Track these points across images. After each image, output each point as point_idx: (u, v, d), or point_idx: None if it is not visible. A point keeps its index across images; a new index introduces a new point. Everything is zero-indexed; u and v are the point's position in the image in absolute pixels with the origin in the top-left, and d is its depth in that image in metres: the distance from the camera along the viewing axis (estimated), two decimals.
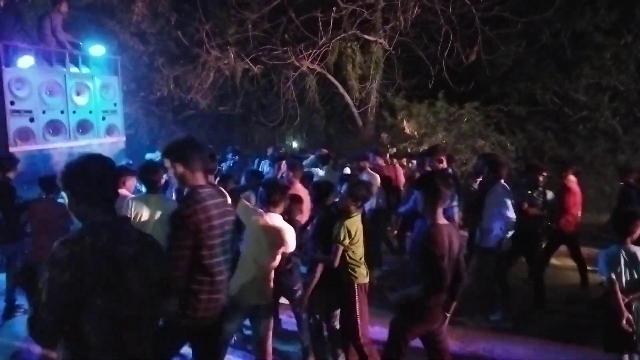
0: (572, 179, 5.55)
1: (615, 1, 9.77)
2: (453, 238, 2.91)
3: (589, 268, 5.69)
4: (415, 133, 10.22)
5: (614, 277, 3.40)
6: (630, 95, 10.09)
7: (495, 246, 4.73)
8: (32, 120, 6.23)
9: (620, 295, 3.36)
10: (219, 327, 2.67)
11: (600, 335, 3.83)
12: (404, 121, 10.35)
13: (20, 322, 4.63)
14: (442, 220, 2.93)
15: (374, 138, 11.32)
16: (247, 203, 3.50)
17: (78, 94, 6.92)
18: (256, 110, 12.79)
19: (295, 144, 14.82)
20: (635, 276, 3.46)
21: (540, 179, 5.26)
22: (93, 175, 1.85)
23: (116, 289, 1.74)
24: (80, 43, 7.42)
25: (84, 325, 1.72)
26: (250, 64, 11.02)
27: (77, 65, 7.07)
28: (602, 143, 10.15)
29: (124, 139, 7.67)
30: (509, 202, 4.62)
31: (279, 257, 3.39)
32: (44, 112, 6.39)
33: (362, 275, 3.53)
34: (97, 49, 7.52)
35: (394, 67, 11.32)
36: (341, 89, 11.52)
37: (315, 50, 10.82)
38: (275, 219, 3.37)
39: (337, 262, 3.43)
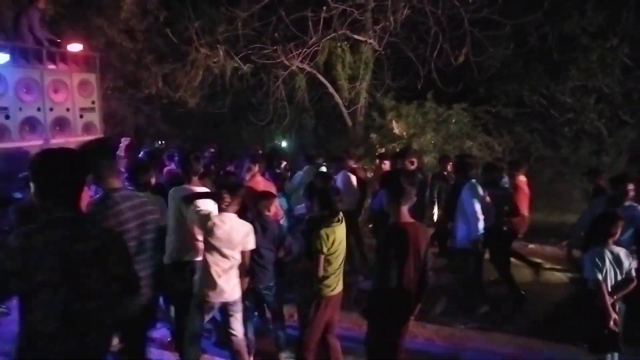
0: (522, 179, 5.72)
1: (601, 4, 9.90)
2: (419, 237, 2.92)
3: (558, 267, 5.97)
4: (404, 133, 10.25)
5: (600, 278, 3.46)
6: (615, 98, 10.24)
7: (470, 246, 4.81)
8: (7, 117, 6.21)
9: (607, 297, 3.42)
10: (140, 323, 2.73)
11: (576, 333, 3.92)
12: (393, 121, 10.37)
13: None
14: (406, 218, 2.94)
15: (363, 138, 11.34)
16: (198, 206, 3.54)
17: (55, 91, 6.85)
18: (245, 109, 12.72)
19: (284, 143, 14.80)
20: (619, 277, 3.52)
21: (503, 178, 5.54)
22: (58, 171, 1.84)
23: (69, 285, 1.73)
24: (59, 40, 7.32)
25: (34, 314, 1.73)
26: (240, 63, 10.97)
27: (54, 62, 6.97)
28: (587, 145, 10.29)
29: (101, 137, 7.57)
30: (475, 202, 4.71)
31: (238, 256, 3.45)
32: (20, 109, 6.37)
33: (328, 288, 3.47)
34: (74, 46, 7.43)
35: (384, 68, 11.35)
36: (331, 89, 11.52)
37: (305, 49, 10.80)
38: (227, 218, 3.42)
39: (320, 273, 3.41)
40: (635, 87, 10.16)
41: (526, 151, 10.14)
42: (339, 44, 10.91)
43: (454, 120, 10.02)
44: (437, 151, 9.82)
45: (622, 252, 3.55)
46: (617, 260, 3.51)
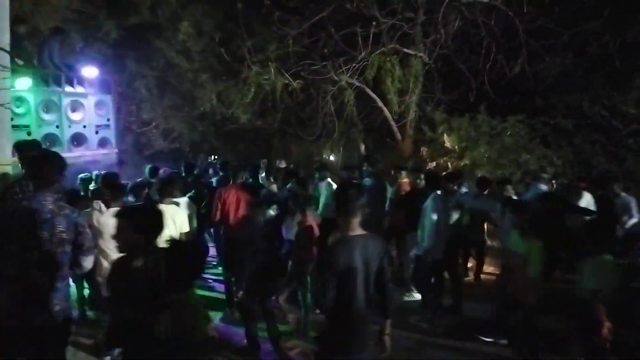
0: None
1: None
2: (368, 250, 2.78)
3: None
4: (456, 147, 10.04)
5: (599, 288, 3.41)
6: None
7: (422, 254, 5.21)
8: (29, 134, 7.04)
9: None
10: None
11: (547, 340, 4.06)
12: (444, 135, 10.19)
13: None
14: (354, 232, 2.81)
15: (412, 152, 11.21)
16: (97, 208, 4.16)
17: (73, 110, 7.78)
18: (295, 125, 12.94)
19: (332, 158, 14.88)
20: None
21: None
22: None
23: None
24: (75, 66, 8.28)
25: None
26: (290, 79, 11.20)
27: (72, 85, 7.89)
28: None
29: (116, 151, 8.57)
30: (434, 214, 4.98)
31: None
32: (40, 126, 7.25)
33: None
34: (90, 71, 8.34)
35: (434, 81, 11.22)
36: (380, 103, 11.50)
37: (354, 64, 10.88)
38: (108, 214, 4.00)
39: None
40: None
41: (587, 164, 9.64)
42: (388, 58, 10.91)
43: (509, 133, 9.71)
44: (491, 165, 9.54)
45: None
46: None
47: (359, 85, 11.31)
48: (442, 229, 5.00)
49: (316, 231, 4.68)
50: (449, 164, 10.10)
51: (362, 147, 13.36)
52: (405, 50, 10.84)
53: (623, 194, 6.15)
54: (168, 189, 4.69)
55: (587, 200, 6.13)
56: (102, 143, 8.26)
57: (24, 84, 7.13)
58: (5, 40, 5.74)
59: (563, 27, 9.49)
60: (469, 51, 10.53)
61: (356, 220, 2.83)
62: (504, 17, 9.76)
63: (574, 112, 10.09)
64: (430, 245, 5.02)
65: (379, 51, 10.73)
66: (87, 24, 11.62)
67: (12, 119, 6.58)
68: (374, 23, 10.57)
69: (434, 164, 10.34)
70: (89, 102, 8.02)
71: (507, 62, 9.83)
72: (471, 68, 10.41)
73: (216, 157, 11.15)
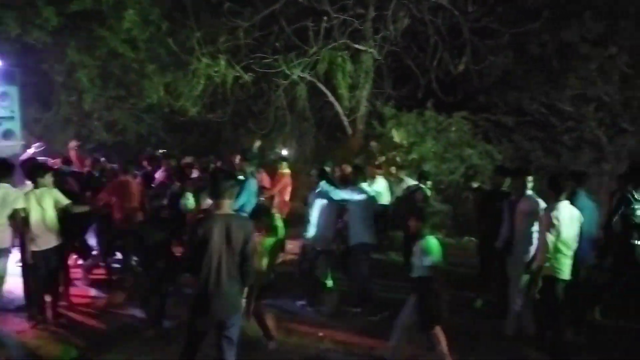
0: None
1: (600, 13, 9.95)
2: (232, 229, 3.22)
3: None
4: (404, 142, 10.27)
5: None
6: (614, 106, 10.26)
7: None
8: None
9: None
10: None
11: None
12: (393, 130, 10.39)
13: None
14: (221, 211, 3.30)
15: (363, 146, 11.37)
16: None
17: None
18: (246, 118, 12.78)
19: (285, 152, 14.82)
20: None
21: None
22: None
23: None
24: None
25: None
26: (241, 72, 11.04)
27: None
28: (587, 153, 10.29)
29: (22, 142, 8.53)
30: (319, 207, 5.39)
31: None
32: None
33: None
34: None
35: (384, 77, 11.41)
36: (331, 98, 11.57)
37: (305, 58, 10.88)
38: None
39: None
40: (634, 95, 10.17)
41: (526, 159, 10.15)
42: (339, 53, 10.98)
43: (454, 129, 10.05)
44: (437, 159, 9.84)
45: None
46: None
47: (310, 79, 11.33)
48: None
49: None
50: (398, 158, 10.32)
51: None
52: (356, 46, 10.95)
53: None
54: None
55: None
56: (6, 135, 8.23)
57: None
58: None
59: (505, 27, 9.89)
60: (417, 48, 10.79)
61: (224, 202, 3.30)
62: (450, 16, 10.05)
63: (514, 109, 10.58)
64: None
65: (330, 46, 10.78)
66: (24, 10, 10.94)
67: None
68: (325, 18, 10.60)
69: (384, 158, 10.52)
70: None
71: (452, 60, 10.14)
72: (419, 65, 10.68)
73: (165, 150, 10.80)
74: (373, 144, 10.47)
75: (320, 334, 4.90)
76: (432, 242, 3.98)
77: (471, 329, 4.99)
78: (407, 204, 6.86)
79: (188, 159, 8.83)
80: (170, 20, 11.41)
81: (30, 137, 11.72)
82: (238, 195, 5.97)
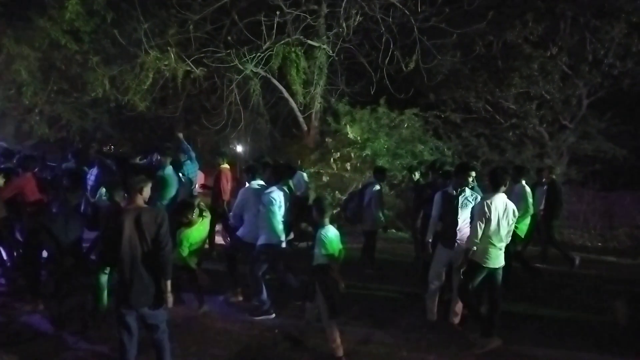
0: None
1: (541, 16, 10.46)
2: (142, 220, 3.39)
3: None
4: (359, 138, 10.39)
5: None
6: (555, 103, 10.83)
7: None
8: None
9: None
10: None
11: None
12: (348, 126, 10.50)
13: None
14: (132, 205, 3.51)
15: (319, 143, 11.41)
16: None
17: None
18: (199, 114, 12.50)
19: (239, 148, 14.65)
20: None
21: None
22: None
23: None
24: None
25: None
26: (192, 66, 10.76)
27: None
28: (530, 148, 10.82)
29: None
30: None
31: None
32: None
33: None
34: None
35: (338, 73, 11.48)
36: (285, 94, 11.52)
37: (259, 53, 10.75)
38: None
39: None
40: (573, 93, 10.80)
41: (474, 155, 10.53)
42: (293, 49, 10.94)
43: (406, 125, 10.27)
44: (389, 155, 10.02)
45: None
46: None
47: (264, 74, 11.21)
48: None
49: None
50: (352, 154, 10.44)
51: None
52: (310, 42, 10.94)
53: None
54: None
55: None
56: None
57: None
58: None
59: (453, 27, 10.18)
60: (370, 46, 10.91)
61: (135, 196, 3.51)
62: (401, 14, 10.23)
63: (462, 106, 10.96)
64: None
65: (283, 41, 10.71)
66: None
67: None
68: (278, 13, 10.50)
69: (338, 154, 10.62)
70: None
71: (403, 58, 10.33)
72: (371, 62, 10.80)
73: (112, 146, 10.39)
74: (328, 140, 10.52)
75: None
76: (331, 232, 4.14)
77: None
78: (359, 199, 6.98)
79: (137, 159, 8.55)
80: (116, 10, 10.95)
81: None
82: (161, 189, 6.26)
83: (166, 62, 10.60)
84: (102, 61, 10.82)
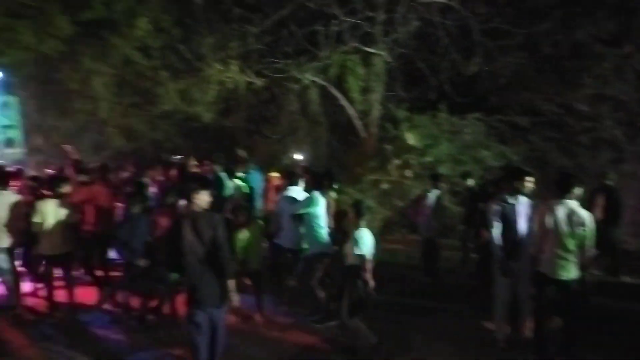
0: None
1: (613, 13, 9.82)
2: (199, 224, 3.59)
3: None
4: (419, 144, 10.24)
5: None
6: (632, 105, 10.11)
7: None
8: None
9: None
10: None
11: None
12: (407, 132, 10.37)
13: None
14: (192, 209, 3.67)
15: (377, 149, 11.35)
16: None
17: None
18: (259, 123, 12.85)
19: (298, 156, 14.85)
20: None
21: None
22: None
23: None
24: None
25: None
26: (253, 77, 11.10)
27: None
28: (605, 153, 10.14)
29: (24, 150, 9.01)
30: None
31: None
32: None
33: None
34: None
35: (396, 79, 11.38)
36: (343, 101, 11.58)
37: (316, 62, 10.91)
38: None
39: None
40: None
41: (543, 160, 10.04)
42: (350, 57, 11.00)
43: (468, 131, 9.99)
44: (452, 162, 9.79)
45: None
46: None
47: (322, 83, 11.34)
48: None
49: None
50: (412, 161, 10.29)
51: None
52: (367, 49, 10.94)
53: None
54: None
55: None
56: (9, 143, 8.37)
57: None
58: None
59: (516, 27, 9.81)
60: (428, 50, 10.74)
61: (192, 202, 3.67)
62: (460, 17, 10.00)
63: (528, 109, 10.49)
64: None
65: (341, 50, 10.79)
66: (38, 19, 11.12)
67: None
68: (335, 21, 10.60)
69: (398, 161, 10.51)
70: None
71: (463, 61, 10.08)
72: (431, 67, 10.62)
73: (181, 156, 10.91)
74: (387, 146, 10.44)
75: None
76: (366, 234, 4.36)
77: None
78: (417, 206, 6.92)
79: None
80: (182, 27, 11.53)
81: (48, 145, 11.98)
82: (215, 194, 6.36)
83: (229, 75, 11.02)
84: (171, 76, 11.42)
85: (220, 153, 7.48)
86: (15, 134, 8.66)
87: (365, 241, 4.34)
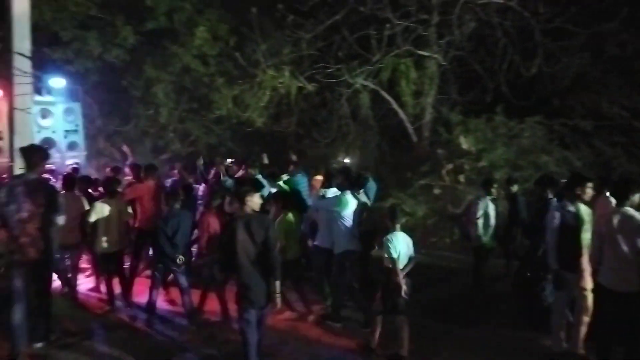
0: None
1: None
2: (252, 225, 3.70)
3: None
4: (473, 149, 9.99)
5: None
6: None
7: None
8: (1, 139, 8.03)
9: None
10: None
11: None
12: (461, 137, 10.15)
13: None
14: (244, 211, 3.78)
15: (429, 154, 11.18)
16: None
17: (43, 117, 8.52)
18: (310, 127, 12.99)
19: (347, 160, 14.86)
20: None
21: None
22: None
23: None
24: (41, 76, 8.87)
25: None
26: (305, 82, 11.26)
27: (41, 94, 8.61)
28: None
29: (84, 153, 9.41)
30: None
31: None
32: None
33: None
34: (57, 81, 9.08)
35: (450, 82, 11.19)
36: (395, 105, 11.50)
37: (368, 67, 10.91)
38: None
39: None
40: None
41: (608, 166, 9.51)
42: (402, 60, 10.92)
43: (527, 135, 9.63)
44: (509, 167, 9.47)
45: None
46: None
47: (374, 87, 11.32)
48: None
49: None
50: (466, 165, 10.05)
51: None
52: (420, 52, 10.83)
53: None
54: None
55: None
56: (71, 146, 9.02)
57: None
58: (26, 46, 5.98)
59: (580, 27, 9.39)
60: (485, 52, 10.48)
61: (244, 204, 3.78)
62: (520, 17, 9.70)
63: (592, 113, 9.97)
64: None
65: (393, 53, 10.74)
66: (105, 30, 11.82)
67: None
68: (388, 25, 10.57)
69: (451, 166, 10.30)
70: (58, 109, 8.76)
71: (523, 62, 9.75)
72: (487, 69, 10.36)
73: (232, 160, 11.24)
74: (440, 150, 10.26)
75: None
76: (398, 237, 4.45)
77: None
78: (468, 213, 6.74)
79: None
80: (237, 35, 11.88)
81: (111, 148, 12.68)
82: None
83: (281, 80, 11.24)
84: (226, 82, 11.79)
85: (260, 155, 7.69)
86: (78, 138, 9.16)
87: (397, 245, 4.39)
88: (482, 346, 4.80)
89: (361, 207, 5.39)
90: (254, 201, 3.86)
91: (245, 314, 3.77)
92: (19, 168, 5.58)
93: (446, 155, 10.43)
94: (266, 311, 3.86)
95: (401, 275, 4.36)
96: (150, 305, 5.33)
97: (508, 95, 9.90)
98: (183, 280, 5.24)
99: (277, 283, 3.76)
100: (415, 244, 4.66)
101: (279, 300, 3.81)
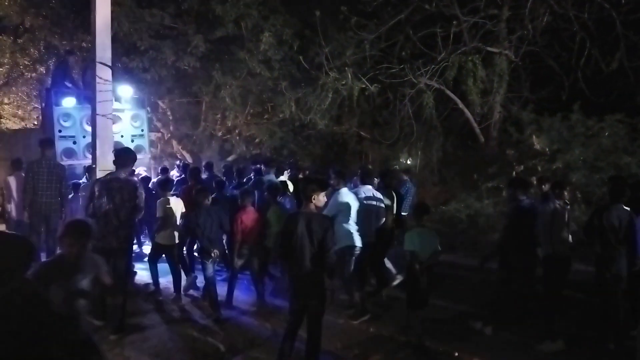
0: None
1: None
2: (313, 223, 3.82)
3: None
4: (547, 149, 9.41)
5: None
6: None
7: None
8: (74, 142, 8.49)
9: None
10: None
11: None
12: (533, 136, 9.60)
13: None
14: (305, 209, 3.96)
15: (497, 155, 10.70)
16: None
17: (113, 122, 8.71)
18: (371, 128, 12.91)
19: (409, 161, 14.61)
20: None
21: None
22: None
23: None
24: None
25: None
26: (367, 84, 11.20)
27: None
28: None
29: (149, 156, 9.97)
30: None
31: None
32: (84, 136, 8.51)
33: None
34: (126, 90, 9.68)
35: (521, 79, 10.65)
36: (460, 105, 11.14)
37: (433, 66, 10.65)
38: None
39: None
40: None
41: None
42: (469, 58, 10.55)
43: (607, 134, 8.93)
44: (587, 168, 8.84)
45: None
46: None
47: (438, 87, 11.03)
48: None
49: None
50: (539, 167, 9.50)
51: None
52: (489, 48, 10.41)
53: None
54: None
55: None
56: (137, 149, 9.57)
57: (70, 102, 8.67)
58: (107, 55, 6.44)
59: None
60: (560, 47, 9.87)
61: (308, 202, 3.94)
62: (599, 9, 9.02)
63: None
64: None
65: (459, 51, 10.41)
66: (178, 39, 12.46)
67: (60, 131, 8.30)
68: (454, 22, 10.27)
69: (522, 167, 9.79)
70: (126, 115, 9.32)
71: (602, 57, 9.08)
72: (563, 65, 9.75)
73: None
74: (510, 151, 9.78)
75: None
76: (416, 234, 4.59)
77: None
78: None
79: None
80: (301, 38, 12.06)
81: (182, 151, 13.35)
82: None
83: (343, 82, 11.26)
84: (289, 85, 12.01)
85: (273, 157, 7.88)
86: (143, 142, 9.82)
87: (417, 240, 4.55)
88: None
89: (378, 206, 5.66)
90: (319, 199, 3.97)
91: (293, 306, 3.96)
92: (99, 170, 6.08)
93: (517, 156, 9.92)
94: (315, 305, 3.88)
95: (420, 270, 4.51)
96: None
97: (586, 92, 9.24)
98: (209, 272, 5.44)
99: (328, 281, 3.97)
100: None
101: (327, 295, 4.03)
